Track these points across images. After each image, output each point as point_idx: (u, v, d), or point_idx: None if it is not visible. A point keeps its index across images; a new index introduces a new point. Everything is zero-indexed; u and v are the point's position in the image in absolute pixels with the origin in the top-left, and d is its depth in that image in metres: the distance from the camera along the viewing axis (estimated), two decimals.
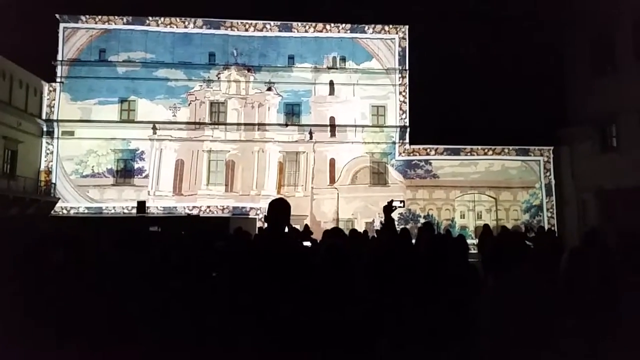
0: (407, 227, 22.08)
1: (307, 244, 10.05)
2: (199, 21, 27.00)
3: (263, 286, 3.16)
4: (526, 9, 25.26)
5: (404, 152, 26.71)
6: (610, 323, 4.12)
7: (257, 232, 12.06)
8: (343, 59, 27.25)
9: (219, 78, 26.89)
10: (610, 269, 4.34)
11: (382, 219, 4.73)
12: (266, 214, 3.62)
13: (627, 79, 21.55)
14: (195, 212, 24.98)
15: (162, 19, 26.86)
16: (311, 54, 27.24)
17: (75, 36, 26.53)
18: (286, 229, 3.80)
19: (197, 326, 3.46)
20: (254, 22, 27.09)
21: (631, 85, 21.24)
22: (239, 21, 27.05)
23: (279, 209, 3.60)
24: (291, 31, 27.32)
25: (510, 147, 26.87)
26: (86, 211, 24.90)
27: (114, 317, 3.53)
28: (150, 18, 26.79)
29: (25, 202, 22.87)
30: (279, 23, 27.19)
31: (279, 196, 6.92)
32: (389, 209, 4.56)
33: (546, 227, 22.06)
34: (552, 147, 26.76)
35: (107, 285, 3.81)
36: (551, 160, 26.80)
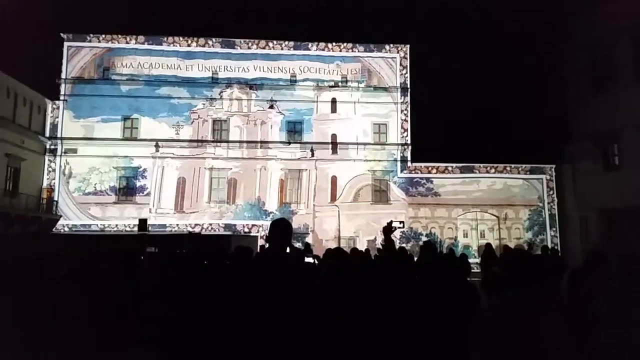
0: (409, 245, 22.05)
1: (310, 260, 10.00)
2: (201, 39, 27.26)
3: (264, 305, 3.14)
4: (527, 27, 25.51)
5: (406, 169, 26.72)
6: (611, 345, 4.07)
7: (258, 250, 12.02)
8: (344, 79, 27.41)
9: (221, 96, 27.05)
10: (611, 291, 4.31)
11: (383, 239, 4.73)
12: (267, 234, 3.62)
13: (629, 97, 21.53)
14: (197, 229, 24.93)
15: (166, 37, 27.17)
16: (313, 71, 27.42)
17: (79, 54, 26.78)
18: (287, 249, 3.79)
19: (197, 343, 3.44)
20: (256, 40, 27.36)
21: (633, 104, 21.24)
22: (241, 40, 27.32)
23: (281, 228, 3.59)
24: (293, 49, 27.57)
25: (513, 165, 26.86)
26: (88, 229, 24.86)
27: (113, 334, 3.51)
28: (153, 37, 27.10)
29: (27, 220, 22.86)
30: (282, 42, 27.44)
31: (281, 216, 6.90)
32: (388, 229, 4.55)
33: (549, 246, 21.94)
34: (554, 166, 26.74)
35: (107, 302, 3.80)
36: (554, 179, 26.75)
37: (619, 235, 21.03)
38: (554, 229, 26.27)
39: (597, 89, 23.71)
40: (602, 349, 3.93)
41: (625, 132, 22.11)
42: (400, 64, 27.69)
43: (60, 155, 25.91)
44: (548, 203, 26.58)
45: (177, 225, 25.36)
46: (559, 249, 23.25)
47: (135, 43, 27.15)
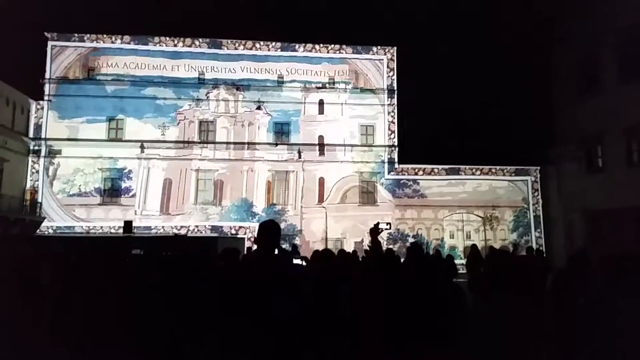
0: (396, 247, 22.11)
1: (297, 261, 9.99)
2: (188, 40, 27.10)
3: (251, 308, 3.13)
4: (513, 30, 25.75)
5: (393, 171, 26.81)
6: (596, 345, 4.12)
7: (245, 252, 12.00)
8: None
9: (207, 97, 26.90)
10: (596, 292, 4.37)
11: (370, 241, 4.74)
12: (256, 235, 3.61)
13: (613, 100, 21.76)
14: (183, 231, 24.76)
15: (152, 37, 26.95)
16: (300, 72, 27.39)
17: (64, 54, 26.47)
18: (276, 251, 3.79)
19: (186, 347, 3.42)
20: (243, 40, 27.26)
21: (616, 106, 21.49)
22: (228, 40, 27.21)
23: (269, 230, 3.58)
24: (280, 51, 27.51)
25: (498, 167, 27.08)
26: (72, 231, 24.57)
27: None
28: (139, 37, 26.88)
29: (9, 222, 22.54)
30: (269, 43, 27.39)
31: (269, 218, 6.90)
32: (375, 231, 4.56)
33: (534, 247, 22.16)
34: (539, 167, 27.00)
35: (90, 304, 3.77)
36: (538, 181, 27.02)
37: (602, 236, 21.32)
38: (539, 230, 26.53)
39: (582, 91, 23.94)
40: (586, 349, 3.98)
41: (609, 134, 22.38)
42: (388, 66, 27.80)
43: (44, 157, 25.59)
44: (533, 204, 26.84)
45: (163, 227, 25.17)
46: (544, 249, 23.48)
47: (121, 43, 26.90)
